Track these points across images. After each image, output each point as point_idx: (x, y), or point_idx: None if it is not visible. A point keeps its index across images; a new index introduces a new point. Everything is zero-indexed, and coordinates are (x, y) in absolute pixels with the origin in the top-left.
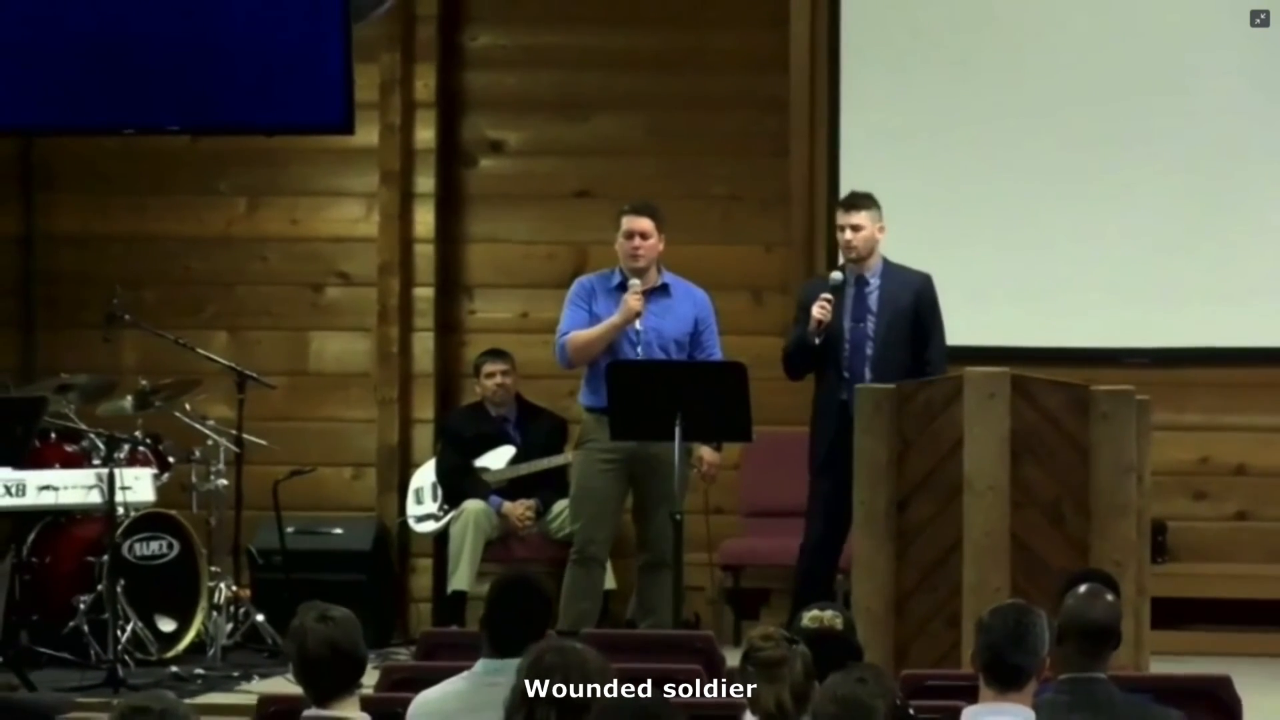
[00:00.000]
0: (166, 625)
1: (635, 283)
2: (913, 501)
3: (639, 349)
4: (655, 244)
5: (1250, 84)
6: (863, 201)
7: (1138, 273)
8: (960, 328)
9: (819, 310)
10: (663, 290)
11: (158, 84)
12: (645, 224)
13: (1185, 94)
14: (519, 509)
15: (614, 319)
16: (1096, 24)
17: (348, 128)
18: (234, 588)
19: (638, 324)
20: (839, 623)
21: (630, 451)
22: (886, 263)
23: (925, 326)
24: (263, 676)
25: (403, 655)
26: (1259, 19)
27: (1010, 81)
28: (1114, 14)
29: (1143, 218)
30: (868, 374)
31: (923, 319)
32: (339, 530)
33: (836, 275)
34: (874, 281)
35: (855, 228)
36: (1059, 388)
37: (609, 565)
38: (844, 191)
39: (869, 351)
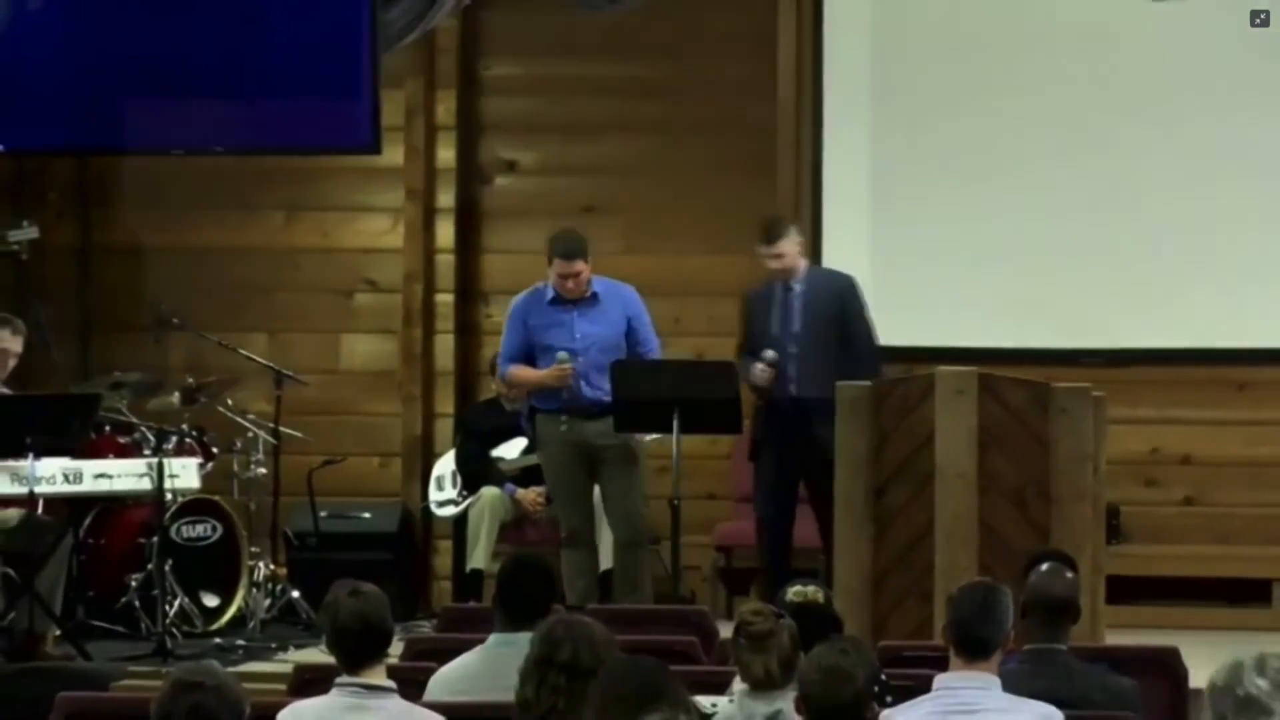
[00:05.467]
0: (210, 601)
1: (563, 355)
2: (889, 489)
3: (580, 358)
4: (586, 274)
5: (1249, 84)
6: (778, 231)
7: (1098, 279)
8: (934, 330)
9: (762, 379)
10: (593, 300)
11: (204, 109)
12: (578, 266)
13: (1179, 96)
14: (531, 495)
15: (545, 377)
16: (1086, 28)
17: (376, 149)
18: (271, 567)
19: (576, 334)
20: (820, 596)
21: (580, 445)
22: (810, 269)
23: (850, 325)
24: (298, 647)
25: (425, 628)
26: (1259, 19)
27: (989, 94)
28: (1106, 16)
29: (1111, 226)
30: (793, 372)
31: (847, 318)
32: (367, 514)
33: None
34: (798, 288)
35: (778, 256)
36: (1022, 385)
37: (608, 547)
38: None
39: (794, 350)
